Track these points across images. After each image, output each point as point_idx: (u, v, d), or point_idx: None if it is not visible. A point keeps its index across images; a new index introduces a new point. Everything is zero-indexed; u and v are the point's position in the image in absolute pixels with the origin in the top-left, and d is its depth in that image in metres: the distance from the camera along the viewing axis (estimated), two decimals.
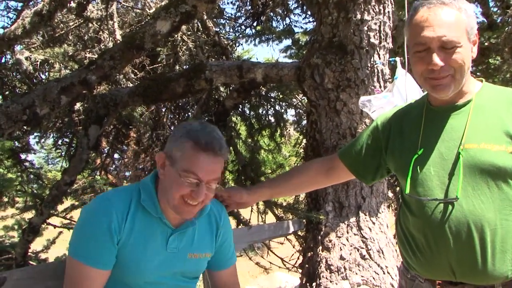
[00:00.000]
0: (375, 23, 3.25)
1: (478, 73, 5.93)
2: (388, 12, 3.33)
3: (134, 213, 1.54)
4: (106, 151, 6.03)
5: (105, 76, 3.44)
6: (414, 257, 1.58)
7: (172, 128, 5.37)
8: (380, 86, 3.29)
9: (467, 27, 1.43)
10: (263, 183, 2.07)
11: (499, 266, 1.42)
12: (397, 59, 3.13)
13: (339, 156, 1.87)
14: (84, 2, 4.42)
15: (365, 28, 3.21)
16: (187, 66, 4.81)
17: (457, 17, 1.42)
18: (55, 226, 5.16)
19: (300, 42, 6.23)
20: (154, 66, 5.08)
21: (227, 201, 1.90)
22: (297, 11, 6.33)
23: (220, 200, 1.87)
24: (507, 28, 4.09)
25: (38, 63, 4.57)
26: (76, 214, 5.67)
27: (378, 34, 3.26)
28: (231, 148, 4.39)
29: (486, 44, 4.89)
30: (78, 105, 4.90)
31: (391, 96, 2.91)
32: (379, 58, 3.28)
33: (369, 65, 3.24)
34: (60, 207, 4.97)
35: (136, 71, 5.05)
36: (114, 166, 6.58)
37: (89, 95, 3.85)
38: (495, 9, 4.79)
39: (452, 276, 1.48)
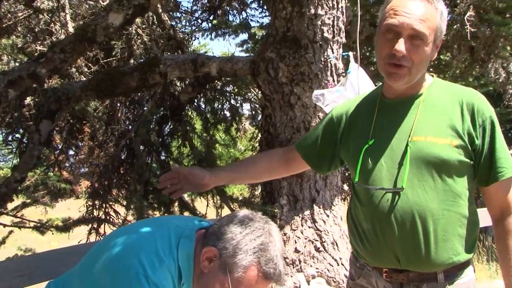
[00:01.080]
0: (329, 18, 3.28)
1: (430, 69, 6.09)
2: (342, 7, 3.37)
3: None
4: (60, 147, 5.87)
5: (55, 69, 3.35)
6: (362, 245, 1.61)
7: (127, 123, 5.28)
8: (334, 80, 3.33)
9: (438, 29, 1.47)
10: (225, 167, 2.00)
11: (440, 254, 1.47)
12: (350, 53, 3.18)
13: (295, 147, 1.88)
14: None
15: (319, 22, 3.24)
16: (142, 60, 4.73)
17: (433, 16, 1.46)
18: (4, 225, 4.99)
19: (256, 37, 6.23)
20: (109, 59, 4.96)
21: (184, 180, 1.77)
22: (254, 5, 6.33)
23: (176, 181, 1.76)
24: (455, 26, 4.21)
25: None
26: (27, 212, 5.51)
27: (331, 29, 3.30)
28: (186, 142, 4.37)
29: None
30: (28, 99, 4.75)
31: (344, 90, 2.95)
32: (333, 53, 3.32)
33: (322, 59, 3.27)
34: (10, 205, 4.82)
35: (90, 64, 4.93)
36: (69, 162, 6.41)
37: (39, 89, 3.74)
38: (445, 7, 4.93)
39: (397, 264, 1.52)
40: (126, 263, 1.37)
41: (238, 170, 1.96)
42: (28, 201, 5.34)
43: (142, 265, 1.35)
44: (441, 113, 1.52)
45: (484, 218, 1.68)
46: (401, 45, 1.44)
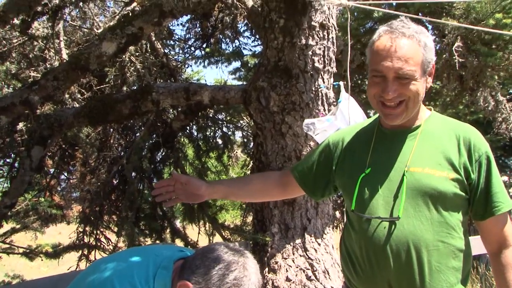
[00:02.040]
0: (319, 48, 3.33)
1: None
2: (332, 37, 3.42)
3: None
4: (52, 172, 5.85)
5: (48, 96, 3.37)
6: (355, 274, 1.61)
7: (119, 149, 5.28)
8: (324, 110, 3.35)
9: (424, 61, 1.49)
10: (221, 181, 2.00)
11: (435, 285, 1.47)
12: (341, 83, 3.21)
13: (291, 171, 1.88)
14: (29, 20, 4.32)
15: (310, 52, 3.28)
16: (135, 87, 4.77)
17: (416, 52, 1.47)
18: None
19: (249, 65, 6.28)
20: (102, 86, 4.99)
21: (180, 190, 1.78)
22: (246, 33, 6.42)
23: (171, 189, 1.77)
24: (444, 56, 4.29)
25: None
26: (17, 237, 5.45)
27: (322, 59, 3.34)
28: (178, 169, 4.37)
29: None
30: (21, 125, 4.75)
31: (334, 119, 2.97)
32: (323, 82, 3.36)
33: (313, 88, 3.30)
34: (0, 231, 4.78)
35: (83, 90, 4.96)
36: (61, 187, 6.39)
37: (31, 115, 3.75)
38: (434, 37, 5.04)
39: None
40: None
41: (234, 186, 1.98)
42: (18, 226, 5.30)
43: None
44: (438, 146, 1.54)
45: (477, 245, 1.69)
46: (389, 89, 1.47)
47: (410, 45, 1.47)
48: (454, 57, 3.93)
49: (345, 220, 1.75)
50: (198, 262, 1.43)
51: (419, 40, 1.49)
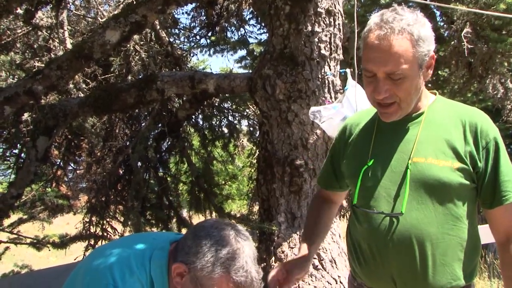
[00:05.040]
0: (326, 35, 3.28)
1: (429, 84, 6.10)
2: (339, 24, 3.37)
3: None
4: (58, 163, 5.87)
5: (52, 86, 3.35)
6: (359, 266, 1.59)
7: (125, 139, 5.27)
8: (331, 97, 3.32)
9: (418, 56, 1.39)
10: (301, 245, 1.90)
11: (439, 279, 1.44)
12: (348, 70, 3.17)
13: (320, 186, 1.85)
14: (33, 9, 4.30)
15: (316, 39, 3.24)
16: (140, 76, 4.75)
17: (407, 49, 1.37)
18: (0, 242, 4.96)
19: (254, 53, 6.26)
20: (107, 76, 4.98)
21: (283, 282, 1.69)
22: (252, 21, 6.38)
23: (273, 286, 1.67)
24: (452, 42, 4.23)
25: None
26: (25, 227, 5.48)
27: (328, 46, 3.30)
28: (184, 159, 4.36)
29: (435, 56, 5.02)
30: (26, 115, 4.75)
31: (340, 106, 2.93)
32: (330, 70, 3.32)
33: (319, 76, 3.26)
34: (7, 221, 4.79)
35: (88, 80, 4.95)
36: (67, 177, 6.41)
37: (36, 105, 3.74)
38: (442, 24, 4.98)
39: (393, 286, 1.49)
40: (98, 275, 1.40)
41: (312, 238, 1.81)
42: (25, 217, 5.32)
43: (113, 276, 1.37)
44: (443, 134, 1.47)
45: (486, 234, 1.64)
46: (379, 89, 1.40)
47: (400, 42, 1.36)
48: (463, 44, 3.88)
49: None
50: (189, 243, 1.42)
51: (412, 33, 1.37)
